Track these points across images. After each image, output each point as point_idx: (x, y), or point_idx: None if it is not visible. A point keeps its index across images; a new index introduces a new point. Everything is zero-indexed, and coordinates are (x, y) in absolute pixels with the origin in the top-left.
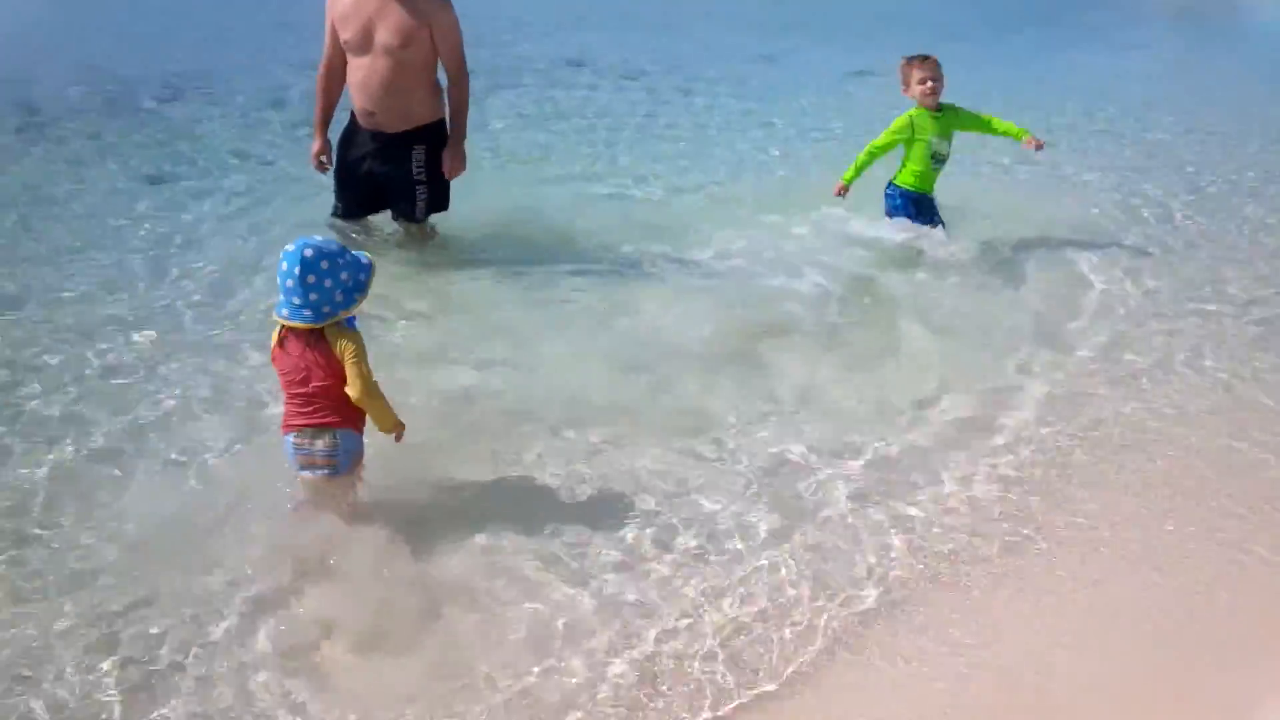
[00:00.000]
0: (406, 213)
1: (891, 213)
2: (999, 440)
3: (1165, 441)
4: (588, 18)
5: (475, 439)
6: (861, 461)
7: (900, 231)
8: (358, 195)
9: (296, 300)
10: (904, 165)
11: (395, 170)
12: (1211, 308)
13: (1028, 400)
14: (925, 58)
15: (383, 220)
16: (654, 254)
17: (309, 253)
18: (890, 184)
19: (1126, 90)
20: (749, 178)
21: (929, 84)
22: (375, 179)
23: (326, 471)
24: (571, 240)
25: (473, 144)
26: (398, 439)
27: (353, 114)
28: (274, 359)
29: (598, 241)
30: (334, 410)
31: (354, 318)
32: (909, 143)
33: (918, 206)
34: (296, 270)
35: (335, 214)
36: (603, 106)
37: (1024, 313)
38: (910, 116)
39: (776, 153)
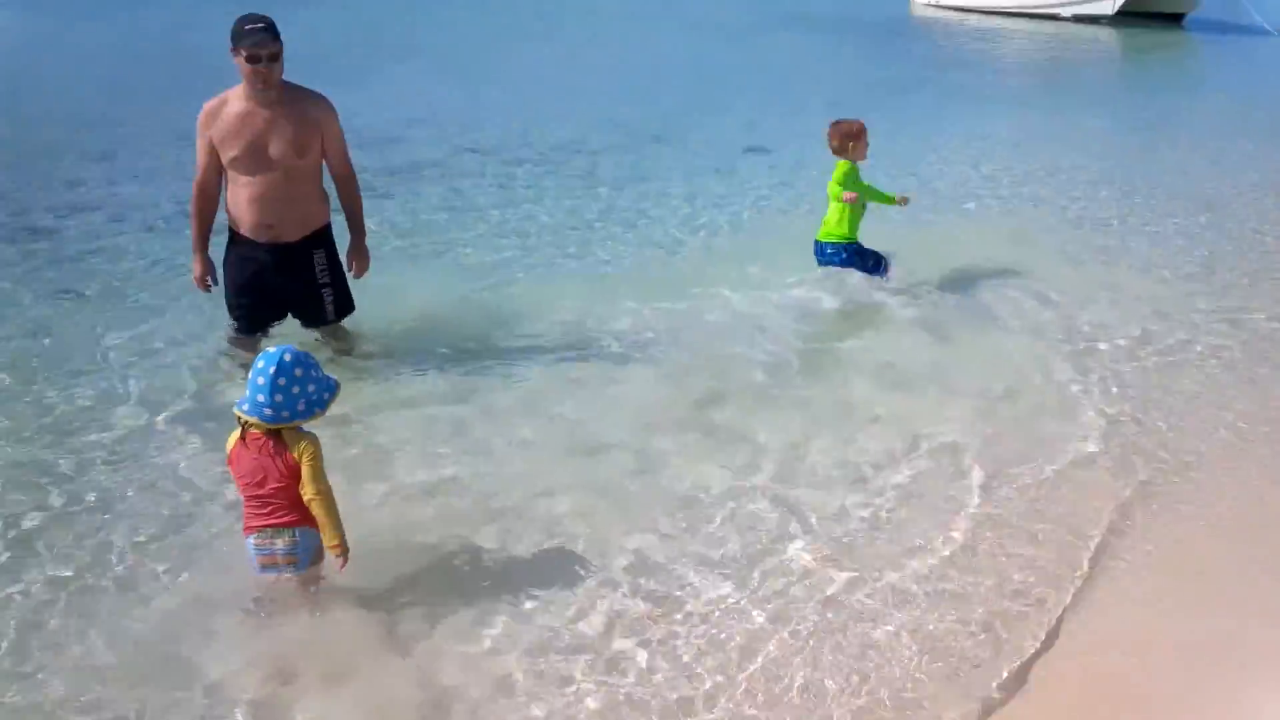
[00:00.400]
0: (317, 318)
1: (842, 264)
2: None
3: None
4: (486, 109)
5: (442, 529)
6: (842, 527)
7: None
8: (259, 310)
9: (261, 398)
10: (841, 220)
11: (297, 279)
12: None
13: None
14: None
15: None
16: (587, 331)
17: (288, 358)
18: (832, 242)
19: (1000, 146)
20: (662, 252)
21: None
22: (277, 291)
23: (288, 570)
24: (501, 325)
25: (384, 240)
26: (341, 563)
27: (234, 232)
28: (230, 460)
29: (528, 326)
30: (291, 509)
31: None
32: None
33: (859, 254)
34: (271, 370)
35: (238, 331)
36: (510, 194)
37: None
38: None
39: (687, 226)
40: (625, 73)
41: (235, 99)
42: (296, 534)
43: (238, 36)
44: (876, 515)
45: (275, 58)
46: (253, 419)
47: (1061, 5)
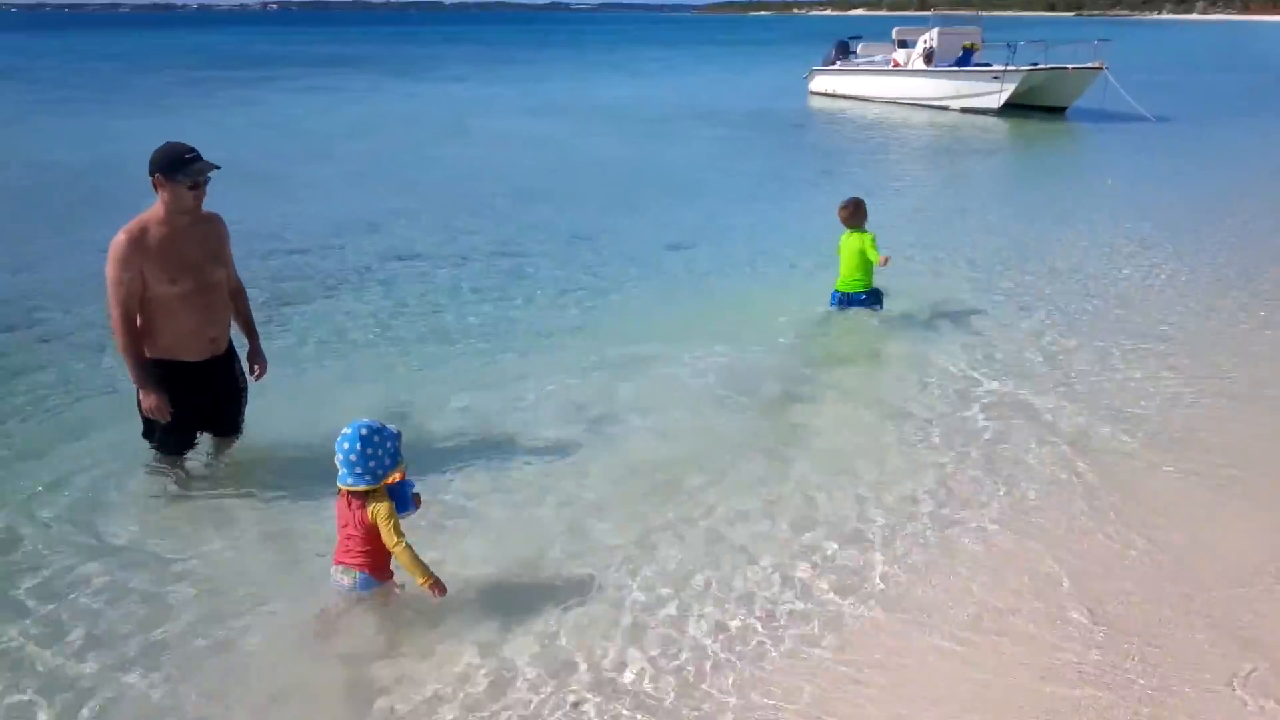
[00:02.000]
0: (234, 424)
1: (841, 304)
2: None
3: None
4: (403, 214)
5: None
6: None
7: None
8: (191, 431)
9: (359, 470)
10: (867, 273)
11: (227, 387)
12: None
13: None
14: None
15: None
16: (511, 435)
17: (364, 431)
18: (858, 291)
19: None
20: (590, 356)
21: None
22: (207, 407)
23: (361, 593)
24: (423, 427)
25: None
26: (434, 595)
27: (166, 363)
28: (338, 510)
29: (451, 425)
30: (361, 555)
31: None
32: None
33: (875, 294)
34: (358, 446)
35: (166, 451)
36: (436, 299)
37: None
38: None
39: (617, 325)
40: (543, 173)
41: (155, 224)
42: (358, 576)
43: (178, 165)
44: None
45: (208, 180)
46: (344, 486)
47: (951, 98)
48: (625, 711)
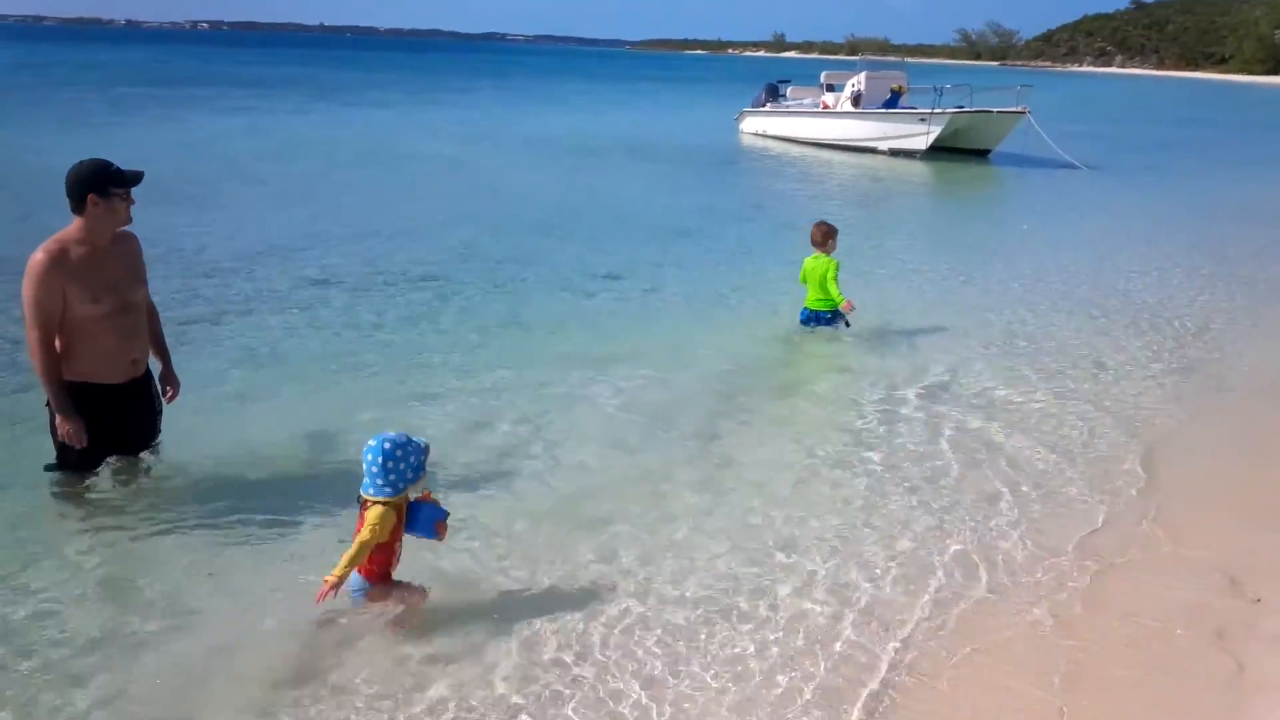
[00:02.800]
0: (148, 441)
1: (808, 322)
2: None
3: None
4: (328, 239)
5: None
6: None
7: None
8: (104, 454)
9: (379, 481)
10: (827, 296)
11: (147, 408)
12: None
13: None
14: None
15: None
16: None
17: (388, 445)
18: (823, 310)
19: None
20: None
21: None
22: (125, 429)
23: (353, 596)
24: (336, 455)
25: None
26: (323, 588)
27: (85, 386)
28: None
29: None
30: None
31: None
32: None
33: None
34: (380, 459)
35: (71, 471)
36: (354, 323)
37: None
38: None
39: (545, 352)
40: (471, 199)
41: (74, 243)
42: (353, 577)
43: (109, 179)
44: None
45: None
46: (365, 495)
47: (879, 140)
48: None
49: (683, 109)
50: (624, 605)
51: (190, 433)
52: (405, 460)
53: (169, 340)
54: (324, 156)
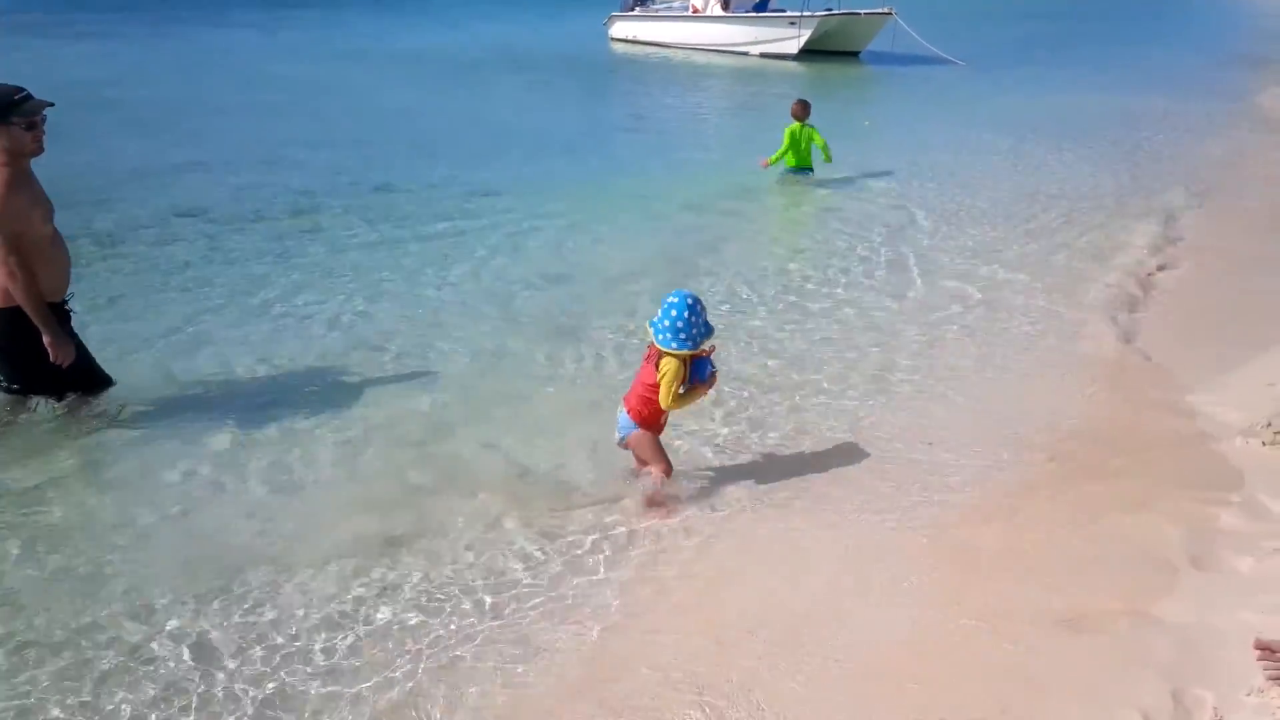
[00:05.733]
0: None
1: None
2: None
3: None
4: (192, 167)
5: None
6: None
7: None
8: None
9: (682, 335)
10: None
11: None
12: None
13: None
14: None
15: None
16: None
17: (690, 300)
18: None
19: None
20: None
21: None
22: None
23: (619, 434)
24: (217, 384)
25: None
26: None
27: (54, 307)
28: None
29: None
30: (638, 402)
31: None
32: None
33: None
34: (685, 314)
35: (37, 392)
36: (224, 256)
37: None
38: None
39: (430, 275)
40: (343, 121)
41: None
42: (621, 416)
43: (9, 107)
44: None
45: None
46: (665, 349)
47: (750, 44)
48: None
49: (551, 17)
50: None
51: None
52: (701, 316)
53: None
54: (184, 80)
